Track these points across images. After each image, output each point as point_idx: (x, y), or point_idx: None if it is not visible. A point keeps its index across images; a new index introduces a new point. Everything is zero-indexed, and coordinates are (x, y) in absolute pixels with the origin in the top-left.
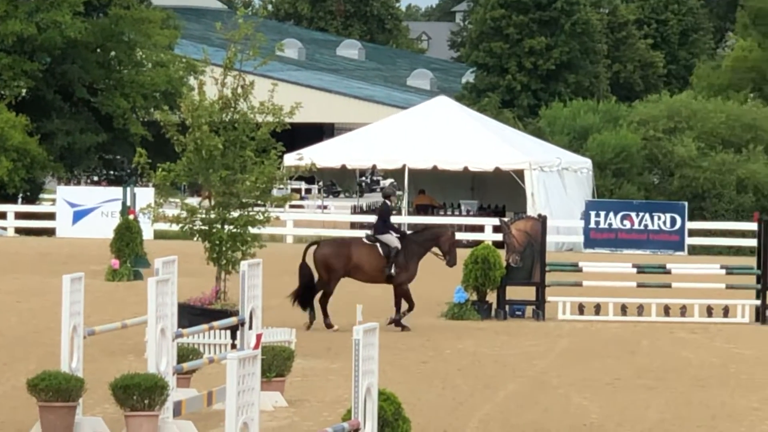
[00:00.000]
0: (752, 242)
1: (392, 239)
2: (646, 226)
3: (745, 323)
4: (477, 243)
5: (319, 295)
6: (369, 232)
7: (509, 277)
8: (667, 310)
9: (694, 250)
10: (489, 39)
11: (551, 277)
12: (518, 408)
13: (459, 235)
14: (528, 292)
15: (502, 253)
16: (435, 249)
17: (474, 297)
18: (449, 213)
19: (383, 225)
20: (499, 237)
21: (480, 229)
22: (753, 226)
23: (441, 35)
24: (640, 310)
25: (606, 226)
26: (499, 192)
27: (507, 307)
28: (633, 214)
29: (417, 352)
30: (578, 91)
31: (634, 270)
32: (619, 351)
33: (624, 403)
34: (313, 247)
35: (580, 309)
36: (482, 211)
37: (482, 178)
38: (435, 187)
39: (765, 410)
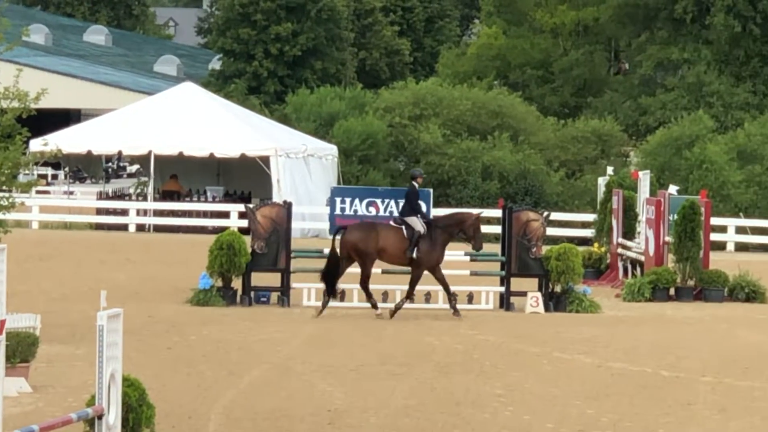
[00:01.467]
0: (497, 229)
1: (417, 222)
2: (391, 212)
3: (489, 310)
4: (222, 229)
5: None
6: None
7: (255, 263)
8: (411, 297)
9: None
10: (236, 25)
11: (296, 264)
12: (262, 394)
13: (204, 222)
14: (273, 279)
15: (247, 239)
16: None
17: (219, 283)
18: (195, 199)
19: (410, 208)
20: (244, 223)
21: (226, 215)
22: (498, 212)
23: (188, 21)
24: (385, 296)
25: (351, 212)
26: (245, 178)
27: (252, 294)
28: (378, 201)
29: (162, 338)
30: (325, 77)
31: None
32: (364, 337)
33: (368, 389)
34: (342, 233)
35: None
36: (228, 198)
37: (228, 164)
38: (181, 174)
39: (508, 396)
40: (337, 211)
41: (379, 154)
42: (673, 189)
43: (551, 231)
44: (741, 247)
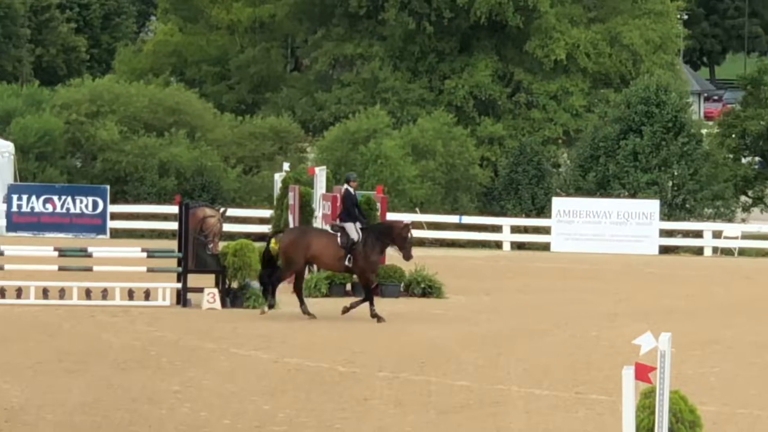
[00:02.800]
0: (173, 225)
1: (352, 229)
2: (68, 209)
3: (166, 306)
4: None
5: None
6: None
7: None
8: (88, 294)
9: (117, 234)
10: None
11: None
12: None
13: None
14: None
15: None
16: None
17: None
18: None
19: (346, 213)
20: None
21: None
22: (174, 209)
23: None
24: (62, 293)
25: (28, 209)
26: None
27: None
28: (55, 198)
29: None
30: (1, 75)
31: (56, 253)
32: (41, 334)
33: (45, 386)
34: (279, 235)
35: (2, 292)
36: None
37: None
38: None
39: (186, 393)
40: (14, 209)
41: (56, 151)
42: None
43: (228, 227)
44: (417, 243)
